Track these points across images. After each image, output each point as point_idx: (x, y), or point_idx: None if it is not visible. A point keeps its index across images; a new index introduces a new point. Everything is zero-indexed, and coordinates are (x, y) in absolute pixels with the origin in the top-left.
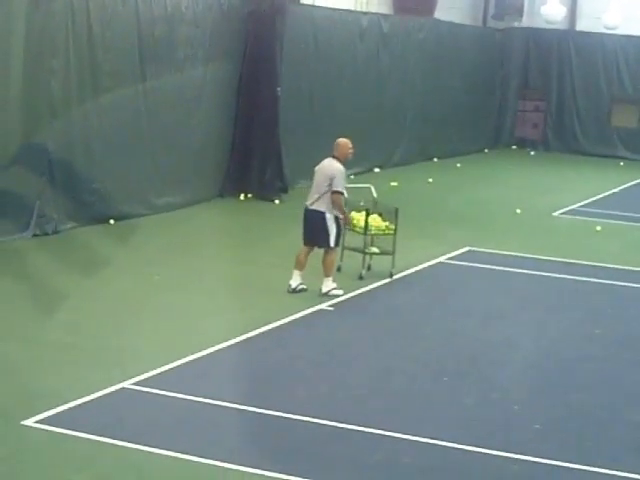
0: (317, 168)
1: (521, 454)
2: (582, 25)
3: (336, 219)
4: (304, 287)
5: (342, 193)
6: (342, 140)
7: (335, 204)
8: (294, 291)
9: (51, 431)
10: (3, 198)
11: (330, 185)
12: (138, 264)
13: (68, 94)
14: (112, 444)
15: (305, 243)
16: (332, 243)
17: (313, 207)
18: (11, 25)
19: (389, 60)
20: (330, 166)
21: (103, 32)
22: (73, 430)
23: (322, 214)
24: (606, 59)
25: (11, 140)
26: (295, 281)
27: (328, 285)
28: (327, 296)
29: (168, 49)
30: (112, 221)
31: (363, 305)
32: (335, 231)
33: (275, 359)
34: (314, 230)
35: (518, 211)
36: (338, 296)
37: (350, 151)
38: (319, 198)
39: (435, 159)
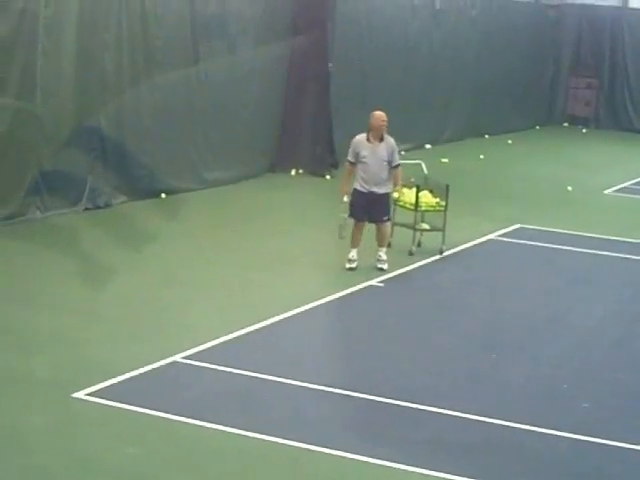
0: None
1: (569, 432)
2: (636, 2)
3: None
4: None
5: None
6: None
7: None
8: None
9: (102, 404)
10: (56, 172)
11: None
12: (188, 238)
13: (120, 68)
14: (162, 417)
15: (361, 220)
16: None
17: (382, 191)
18: None
19: (441, 37)
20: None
21: (155, 6)
22: (123, 403)
23: (387, 195)
24: None
25: (64, 115)
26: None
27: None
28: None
29: (220, 24)
30: (163, 195)
31: (413, 281)
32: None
33: (325, 334)
34: (377, 207)
35: (569, 189)
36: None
37: (382, 123)
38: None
39: (486, 136)
